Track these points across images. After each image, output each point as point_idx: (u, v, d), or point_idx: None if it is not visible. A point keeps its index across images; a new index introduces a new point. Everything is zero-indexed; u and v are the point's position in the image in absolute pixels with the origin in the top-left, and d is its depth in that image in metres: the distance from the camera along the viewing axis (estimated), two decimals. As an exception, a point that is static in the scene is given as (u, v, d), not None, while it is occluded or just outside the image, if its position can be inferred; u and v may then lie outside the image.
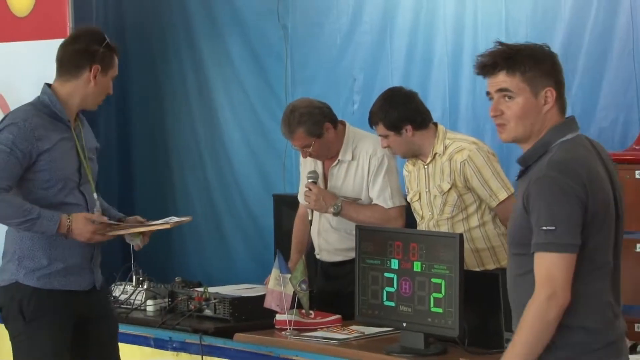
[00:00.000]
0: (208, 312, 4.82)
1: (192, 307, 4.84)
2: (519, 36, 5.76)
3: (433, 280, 3.95)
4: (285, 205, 5.92)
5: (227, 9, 7.11)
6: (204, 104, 7.22)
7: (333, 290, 4.89)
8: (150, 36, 7.42)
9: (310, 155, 4.88)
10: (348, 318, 4.53)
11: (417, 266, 4.01)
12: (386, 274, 4.11)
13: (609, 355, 2.96)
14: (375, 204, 4.85)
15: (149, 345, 4.94)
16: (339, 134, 4.93)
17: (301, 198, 5.09)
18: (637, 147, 5.08)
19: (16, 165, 3.93)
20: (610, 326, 2.98)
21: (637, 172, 4.86)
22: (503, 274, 3.72)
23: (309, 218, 4.95)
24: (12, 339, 4.10)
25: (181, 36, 7.33)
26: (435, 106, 6.17)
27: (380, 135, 4.67)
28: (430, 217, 4.61)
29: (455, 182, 4.52)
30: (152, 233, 4.20)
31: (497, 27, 5.86)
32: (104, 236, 4.02)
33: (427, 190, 4.63)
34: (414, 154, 4.68)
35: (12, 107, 7.19)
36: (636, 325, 4.76)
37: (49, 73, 6.93)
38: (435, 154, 4.59)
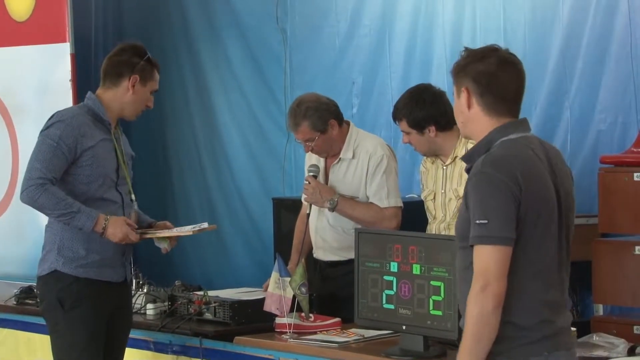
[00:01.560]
0: (208, 315, 4.82)
1: (192, 311, 4.85)
2: (518, 39, 5.77)
3: (432, 283, 3.96)
4: (285, 208, 5.93)
5: (226, 13, 7.11)
6: (204, 107, 7.23)
7: (328, 292, 4.87)
8: (150, 40, 7.41)
9: (312, 151, 4.89)
10: (343, 321, 4.53)
11: (416, 269, 4.01)
12: (385, 277, 4.11)
13: (544, 349, 2.98)
14: (371, 203, 4.85)
15: (149, 348, 4.94)
16: (343, 132, 4.94)
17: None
18: (635, 150, 5.08)
19: (62, 159, 4.23)
20: (544, 323, 3.00)
21: (635, 174, 4.87)
22: None
23: (307, 212, 4.93)
24: (50, 328, 4.38)
25: (180, 40, 7.34)
26: (434, 109, 6.19)
27: (402, 131, 4.70)
28: (443, 218, 4.56)
29: None
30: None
31: (495, 31, 5.86)
32: (134, 239, 4.29)
33: (442, 191, 4.60)
34: (434, 153, 4.67)
35: (12, 112, 7.23)
36: (635, 327, 4.77)
37: (49, 77, 7.01)
38: (456, 156, 4.56)
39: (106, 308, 4.37)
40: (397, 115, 4.67)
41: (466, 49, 3.24)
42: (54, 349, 4.40)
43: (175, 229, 4.49)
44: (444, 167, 4.59)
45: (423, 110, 4.56)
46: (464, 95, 3.15)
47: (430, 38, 6.18)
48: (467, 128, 3.17)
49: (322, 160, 5.00)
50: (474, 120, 3.15)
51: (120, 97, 4.39)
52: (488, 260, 2.93)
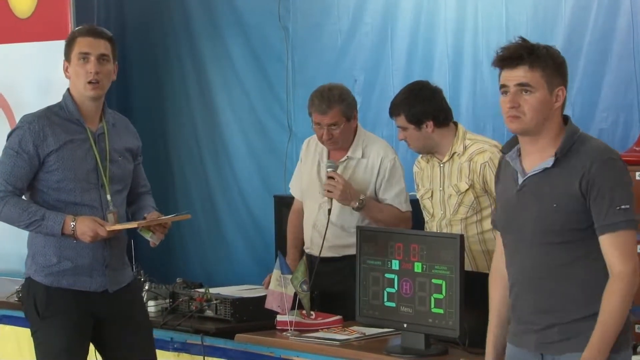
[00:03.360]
0: (209, 312, 4.83)
1: (194, 308, 4.86)
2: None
3: (434, 281, 3.96)
4: (286, 206, 5.92)
5: (228, 11, 7.11)
6: (205, 105, 7.23)
7: (320, 288, 4.84)
8: (152, 38, 7.43)
9: (331, 138, 4.86)
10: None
11: (417, 267, 4.02)
12: (387, 275, 4.12)
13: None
14: (391, 205, 4.87)
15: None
16: (355, 129, 4.96)
17: (295, 190, 5.11)
18: (637, 149, 5.07)
19: (24, 167, 4.06)
20: None
21: (637, 173, 4.86)
22: None
23: (329, 207, 4.83)
24: (31, 334, 4.22)
25: (182, 38, 7.34)
26: (435, 107, 6.19)
27: (398, 127, 4.65)
28: (442, 216, 4.55)
29: (474, 183, 4.47)
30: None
31: (497, 29, 5.86)
32: (103, 233, 4.05)
33: (441, 188, 4.58)
34: (429, 151, 4.64)
35: (15, 109, 7.23)
36: (637, 326, 4.76)
37: (51, 74, 7.00)
38: (454, 153, 4.55)
39: (85, 319, 4.13)
40: (394, 111, 4.65)
41: (523, 39, 3.29)
42: (35, 354, 4.22)
43: (148, 219, 4.20)
44: (441, 165, 4.58)
45: (422, 105, 4.57)
46: (561, 93, 3.19)
47: (432, 36, 6.18)
48: (544, 124, 3.16)
49: (324, 157, 4.99)
50: (555, 115, 3.18)
51: (71, 88, 4.16)
52: (632, 244, 3.00)
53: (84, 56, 4.07)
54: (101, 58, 4.09)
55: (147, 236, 4.16)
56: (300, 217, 5.11)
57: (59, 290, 4.09)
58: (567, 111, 5.52)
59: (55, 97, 6.91)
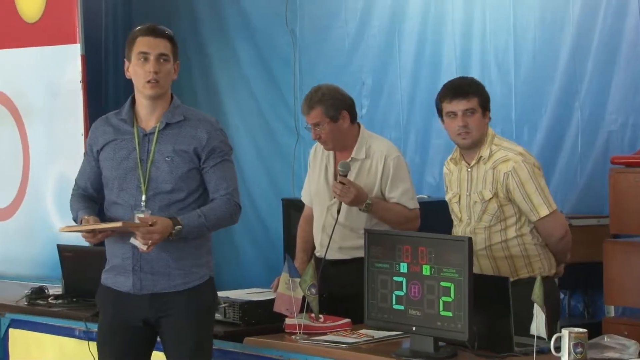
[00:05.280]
0: (218, 316, 4.82)
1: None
2: (528, 40, 5.78)
3: (442, 283, 3.95)
4: (295, 209, 5.93)
5: (235, 14, 7.13)
6: (213, 108, 7.23)
7: (330, 291, 4.83)
8: (160, 41, 7.43)
9: (320, 139, 4.88)
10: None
11: (426, 270, 4.01)
12: (395, 278, 4.10)
13: None
14: (398, 204, 4.86)
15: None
16: (355, 131, 4.95)
17: (305, 196, 5.11)
18: (646, 150, 5.08)
19: (87, 167, 4.23)
20: None
21: (647, 175, 4.87)
22: (532, 282, 3.75)
23: (337, 208, 4.79)
24: None
25: (190, 41, 7.35)
26: (443, 110, 6.19)
27: (465, 110, 4.38)
28: (468, 222, 4.48)
29: (497, 192, 4.37)
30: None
31: (505, 31, 5.87)
32: (93, 238, 4.06)
33: (467, 194, 4.48)
34: (477, 145, 4.45)
35: (23, 113, 7.25)
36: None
37: (59, 78, 7.02)
38: (480, 157, 4.43)
39: (119, 318, 4.11)
40: (469, 89, 4.41)
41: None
42: None
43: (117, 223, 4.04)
44: (469, 170, 4.48)
45: (486, 93, 4.47)
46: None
47: (439, 38, 6.18)
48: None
49: (331, 160, 5.00)
50: None
51: (135, 87, 4.14)
52: None
53: (144, 56, 4.05)
54: (160, 57, 4.06)
55: (130, 240, 4.02)
56: (310, 222, 5.11)
57: (103, 287, 4.19)
58: (576, 113, 5.58)
59: (63, 101, 7.01)
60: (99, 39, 7.57)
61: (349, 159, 4.93)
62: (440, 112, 4.48)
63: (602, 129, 5.43)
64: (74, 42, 6.80)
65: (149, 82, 4.04)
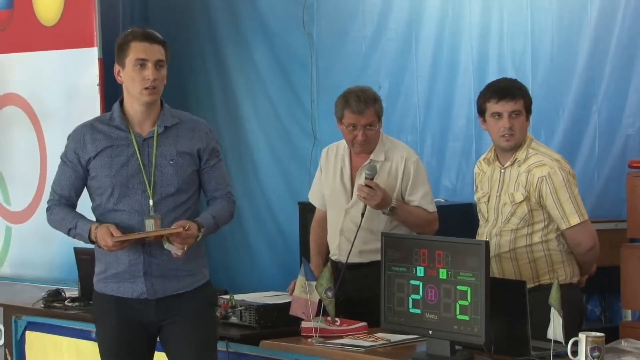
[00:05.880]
0: (234, 319, 4.83)
1: (219, 315, 4.85)
2: (545, 43, 5.76)
3: (459, 287, 3.94)
4: (311, 212, 5.90)
5: (253, 17, 7.13)
6: (230, 111, 7.24)
7: (348, 295, 4.82)
8: (176, 45, 7.43)
9: (366, 139, 4.85)
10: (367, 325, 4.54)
11: (442, 273, 4.00)
12: (412, 281, 4.10)
13: None
14: (418, 207, 4.86)
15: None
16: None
17: (315, 199, 5.10)
18: (664, 154, 5.06)
19: (69, 175, 4.10)
20: None
21: (664, 179, 4.84)
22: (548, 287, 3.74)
23: (362, 211, 4.77)
24: None
25: (207, 44, 7.36)
26: (460, 113, 6.19)
27: (511, 112, 4.35)
28: (494, 223, 4.45)
29: (529, 196, 4.33)
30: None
31: (522, 34, 5.85)
32: (121, 245, 3.97)
33: (497, 194, 4.45)
34: (517, 147, 4.41)
35: (41, 116, 7.28)
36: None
37: (77, 82, 7.04)
38: (516, 159, 4.40)
39: (126, 326, 4.07)
40: (513, 92, 4.38)
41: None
42: None
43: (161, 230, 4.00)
44: (502, 170, 4.44)
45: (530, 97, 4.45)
46: None
47: (457, 42, 6.17)
48: None
49: (347, 164, 4.98)
50: None
51: (124, 92, 4.09)
52: None
53: (141, 62, 4.01)
54: (157, 64, 4.05)
55: (165, 246, 4.01)
56: (323, 225, 5.10)
57: (104, 296, 4.10)
58: (593, 117, 5.56)
59: (80, 105, 7.03)
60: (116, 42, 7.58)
61: (368, 160, 4.91)
62: (482, 112, 4.45)
63: (619, 133, 5.40)
64: (92, 45, 6.83)
65: (146, 88, 4.02)
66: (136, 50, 4.03)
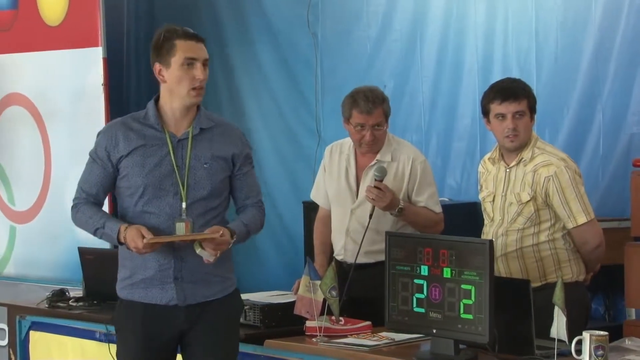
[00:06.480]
0: (238, 318, 4.83)
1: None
2: (550, 42, 5.76)
3: (463, 286, 3.94)
4: (316, 212, 5.91)
5: (258, 17, 7.14)
6: (235, 111, 7.25)
7: (354, 295, 4.82)
8: (181, 44, 7.45)
9: (374, 140, 4.83)
10: (372, 325, 4.53)
11: (447, 272, 4.00)
12: (416, 281, 4.10)
13: None
14: (425, 207, 4.86)
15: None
16: None
17: (319, 198, 5.09)
18: (669, 153, 5.05)
19: (99, 173, 3.93)
20: None
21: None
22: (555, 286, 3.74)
23: (370, 212, 4.76)
24: None
25: (212, 44, 7.29)
26: (465, 112, 6.18)
27: (515, 112, 4.35)
28: (500, 223, 4.44)
29: (536, 195, 4.33)
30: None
31: (527, 33, 5.85)
32: (152, 247, 3.81)
33: (503, 194, 4.44)
34: (522, 148, 4.41)
35: (45, 116, 7.29)
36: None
37: (82, 82, 7.05)
38: (522, 159, 4.39)
39: (155, 333, 3.90)
40: (518, 92, 4.38)
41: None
42: None
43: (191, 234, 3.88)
44: (507, 170, 4.44)
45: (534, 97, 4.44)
46: None
47: (461, 41, 6.17)
48: None
49: (352, 165, 4.98)
50: None
51: (163, 91, 3.95)
52: None
53: (190, 62, 3.89)
54: (205, 63, 3.95)
55: (197, 251, 3.85)
56: (327, 224, 5.10)
57: (131, 303, 3.93)
58: (598, 115, 5.56)
59: (86, 105, 7.03)
60: (120, 42, 7.59)
61: (374, 161, 4.90)
62: (486, 113, 4.45)
63: (624, 132, 5.40)
64: (96, 45, 6.83)
65: (194, 89, 3.91)
66: (184, 49, 3.89)
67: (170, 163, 3.89)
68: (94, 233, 3.92)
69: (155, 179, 3.88)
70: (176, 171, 3.89)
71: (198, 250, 3.84)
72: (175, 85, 3.89)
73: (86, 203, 3.95)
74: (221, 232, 3.84)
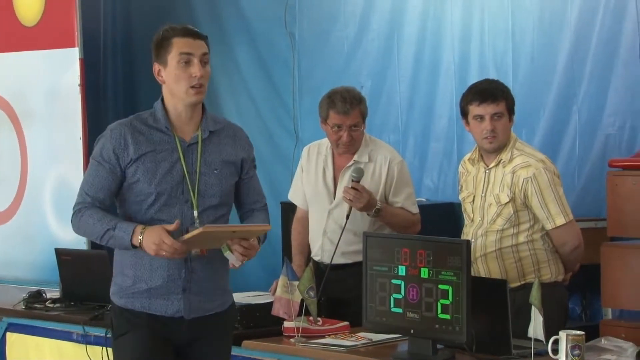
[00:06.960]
0: (216, 319, 4.82)
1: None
2: (526, 43, 5.78)
3: (440, 286, 3.95)
4: (293, 212, 5.91)
5: (235, 17, 7.13)
6: (212, 111, 7.00)
7: (331, 296, 4.82)
8: (158, 45, 7.44)
9: (351, 141, 4.84)
10: (350, 325, 4.53)
11: (424, 272, 4.01)
12: (393, 281, 4.11)
13: None
14: (402, 208, 4.86)
15: None
16: None
17: (296, 199, 5.09)
18: (644, 154, 5.08)
19: (106, 177, 3.72)
20: None
21: (644, 178, 4.86)
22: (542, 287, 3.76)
23: (347, 213, 4.76)
24: None
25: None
26: (442, 113, 6.20)
27: (493, 114, 4.37)
28: (480, 223, 4.47)
29: (515, 197, 4.35)
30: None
31: (503, 34, 5.87)
32: (172, 254, 3.61)
33: (482, 195, 4.46)
34: (500, 149, 4.42)
35: (22, 117, 7.24)
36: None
37: (58, 82, 7.01)
38: (501, 160, 4.41)
39: (157, 345, 3.72)
40: (496, 94, 4.39)
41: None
42: None
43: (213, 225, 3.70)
44: (487, 171, 4.45)
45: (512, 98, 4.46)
46: None
47: (438, 42, 6.18)
48: None
49: (329, 165, 4.98)
50: None
51: (164, 93, 3.80)
52: None
53: (186, 58, 3.73)
54: (203, 59, 3.77)
55: (225, 254, 3.68)
56: (304, 224, 5.11)
57: (132, 312, 3.74)
58: (574, 116, 5.58)
59: (62, 105, 7.00)
60: (97, 42, 7.56)
61: (351, 161, 4.91)
62: (465, 114, 4.46)
63: (600, 132, 5.42)
64: (73, 45, 6.79)
65: (193, 87, 3.73)
66: (179, 45, 3.73)
67: (181, 169, 3.72)
68: (102, 236, 3.68)
69: (168, 186, 3.71)
70: (187, 178, 3.72)
71: (226, 254, 3.67)
72: (173, 84, 3.74)
73: (91, 207, 3.72)
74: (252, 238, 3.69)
